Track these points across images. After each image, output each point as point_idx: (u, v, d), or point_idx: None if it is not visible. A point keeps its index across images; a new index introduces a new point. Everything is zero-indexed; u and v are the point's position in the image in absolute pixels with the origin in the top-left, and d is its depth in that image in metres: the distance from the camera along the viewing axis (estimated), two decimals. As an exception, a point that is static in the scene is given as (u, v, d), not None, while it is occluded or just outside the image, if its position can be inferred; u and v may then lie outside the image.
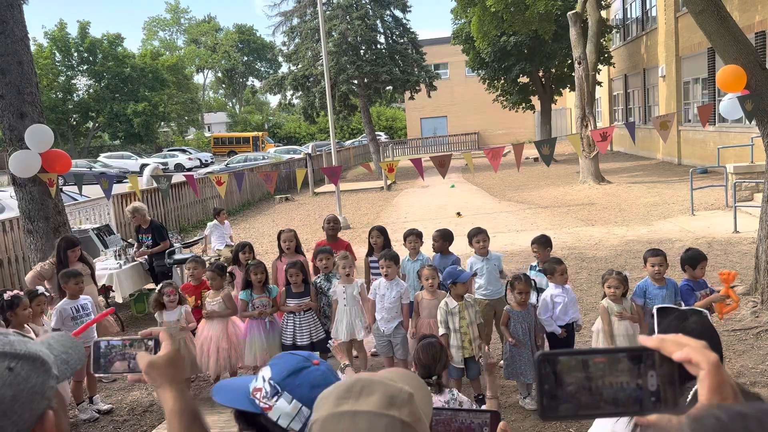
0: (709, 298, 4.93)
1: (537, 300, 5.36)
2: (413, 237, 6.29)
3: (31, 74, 7.66)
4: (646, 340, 0.88)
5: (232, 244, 10.26)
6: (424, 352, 3.66)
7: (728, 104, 7.24)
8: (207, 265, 6.65)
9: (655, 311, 2.29)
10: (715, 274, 7.79)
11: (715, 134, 17.72)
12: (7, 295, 4.94)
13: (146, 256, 8.79)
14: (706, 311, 3.79)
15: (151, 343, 1.40)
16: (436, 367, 3.60)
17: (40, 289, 5.81)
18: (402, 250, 6.65)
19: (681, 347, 0.85)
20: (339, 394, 1.04)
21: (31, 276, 6.56)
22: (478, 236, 6.00)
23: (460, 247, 6.96)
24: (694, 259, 5.10)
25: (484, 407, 3.19)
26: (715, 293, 4.98)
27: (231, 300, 5.89)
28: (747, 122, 13.73)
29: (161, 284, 6.13)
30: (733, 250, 9.44)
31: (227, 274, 6.35)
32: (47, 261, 6.73)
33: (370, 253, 6.64)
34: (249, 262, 6.32)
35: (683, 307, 4.27)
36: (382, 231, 6.61)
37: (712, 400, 0.81)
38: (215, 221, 10.49)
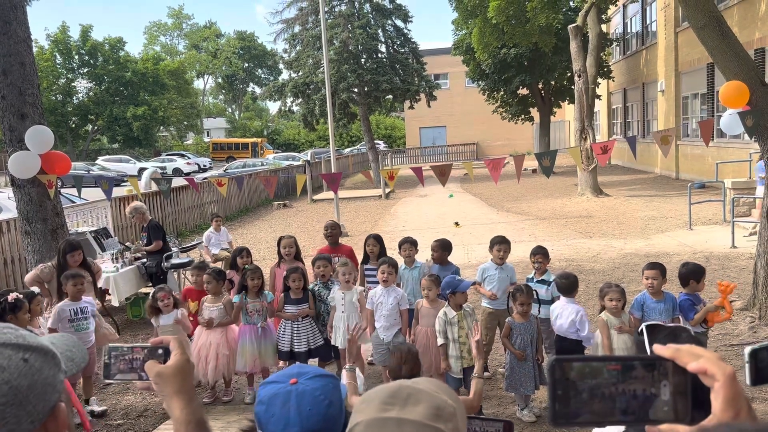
0: (705, 308, 4.96)
1: (538, 311, 5.34)
2: (408, 245, 6.29)
3: (33, 75, 7.65)
4: (660, 350, 0.87)
5: (230, 249, 10.22)
6: (393, 356, 3.71)
7: (729, 119, 7.27)
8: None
9: (644, 328, 2.29)
10: (713, 289, 7.81)
11: (714, 149, 17.78)
12: (11, 297, 4.90)
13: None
14: (690, 329, 3.81)
15: (161, 351, 1.39)
16: (402, 369, 3.57)
17: (36, 290, 5.78)
18: (397, 259, 6.64)
19: (696, 358, 0.85)
20: (383, 399, 1.02)
21: (30, 277, 6.53)
22: (500, 245, 6.01)
23: (458, 256, 6.96)
24: (698, 272, 5.11)
25: (492, 417, 3.19)
26: (709, 305, 5.00)
27: (232, 306, 5.87)
28: (745, 138, 13.78)
29: (154, 290, 6.11)
30: (731, 265, 9.44)
31: (227, 280, 6.32)
32: (48, 264, 6.69)
33: (365, 261, 6.64)
34: (246, 266, 6.30)
35: (671, 324, 4.29)
36: (378, 239, 6.60)
37: (726, 413, 0.81)
38: (211, 229, 10.50)
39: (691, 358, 0.85)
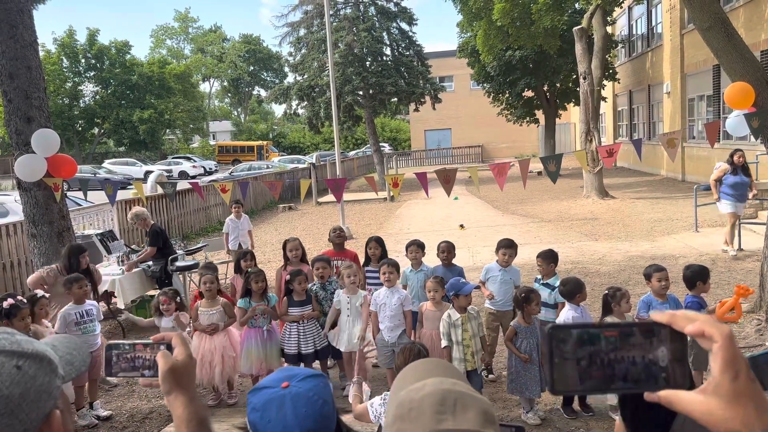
0: (713, 317, 4.91)
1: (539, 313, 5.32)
2: (414, 247, 6.30)
3: (39, 79, 7.69)
4: (656, 316, 0.87)
5: (248, 243, 10.13)
6: (401, 354, 3.69)
7: (734, 121, 7.24)
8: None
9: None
10: (719, 291, 7.77)
11: (720, 151, 17.69)
12: (6, 304, 4.87)
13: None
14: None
15: (163, 348, 1.38)
16: None
17: (39, 292, 5.76)
18: (404, 261, 6.64)
19: (692, 321, 0.85)
20: (435, 408, 1.00)
21: (33, 279, 6.50)
22: (506, 249, 6.03)
23: (463, 258, 6.95)
24: (703, 273, 5.09)
25: (504, 423, 3.20)
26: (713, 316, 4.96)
27: (231, 307, 5.86)
28: (752, 140, 13.71)
29: (159, 291, 6.13)
30: (737, 267, 9.40)
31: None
32: (51, 266, 6.68)
33: (367, 263, 6.65)
34: (249, 269, 6.31)
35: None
36: (379, 242, 6.62)
37: (726, 374, 0.81)
38: (232, 216, 10.34)
39: (687, 321, 0.85)
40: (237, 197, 10.99)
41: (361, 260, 6.89)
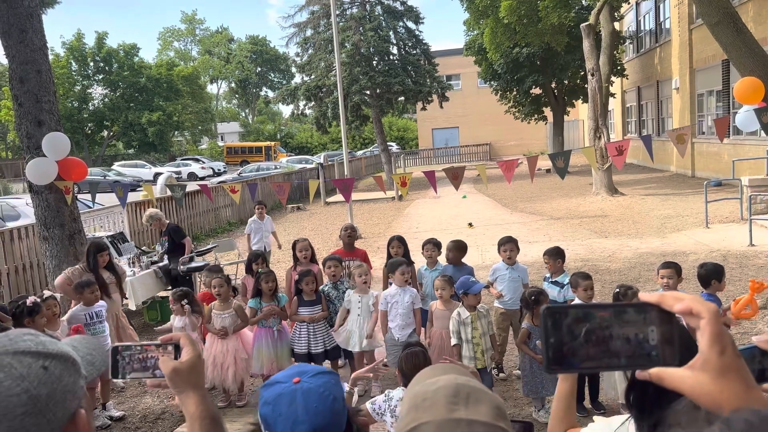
0: (725, 318, 4.80)
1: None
2: (430, 246, 6.31)
3: (49, 83, 7.75)
4: (646, 296, 0.90)
5: (268, 244, 10.12)
6: (408, 361, 3.59)
7: (744, 116, 7.19)
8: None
9: None
10: (731, 288, 7.73)
11: (730, 147, 17.61)
12: (29, 301, 4.95)
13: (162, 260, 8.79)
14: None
15: (171, 348, 1.39)
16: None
17: (47, 292, 5.81)
18: (419, 260, 6.65)
19: (680, 300, 0.88)
20: (448, 399, 1.03)
21: (61, 280, 6.54)
22: (506, 245, 6.04)
23: (472, 257, 6.95)
24: (718, 271, 5.03)
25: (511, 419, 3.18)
26: (728, 317, 4.84)
27: (243, 311, 5.87)
28: (762, 135, 13.61)
29: (174, 290, 6.18)
30: (749, 263, 9.34)
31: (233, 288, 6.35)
32: (75, 267, 6.75)
33: None
34: (260, 270, 6.33)
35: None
36: (402, 241, 6.59)
37: (713, 348, 0.83)
38: (254, 217, 10.25)
39: (676, 301, 0.88)
40: (253, 198, 10.95)
41: (374, 260, 6.88)
